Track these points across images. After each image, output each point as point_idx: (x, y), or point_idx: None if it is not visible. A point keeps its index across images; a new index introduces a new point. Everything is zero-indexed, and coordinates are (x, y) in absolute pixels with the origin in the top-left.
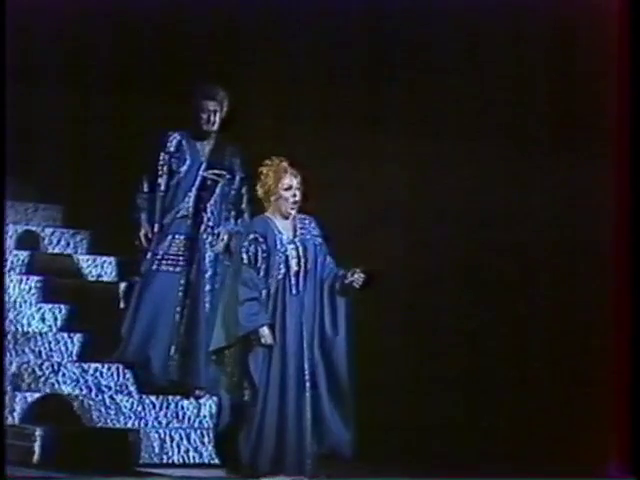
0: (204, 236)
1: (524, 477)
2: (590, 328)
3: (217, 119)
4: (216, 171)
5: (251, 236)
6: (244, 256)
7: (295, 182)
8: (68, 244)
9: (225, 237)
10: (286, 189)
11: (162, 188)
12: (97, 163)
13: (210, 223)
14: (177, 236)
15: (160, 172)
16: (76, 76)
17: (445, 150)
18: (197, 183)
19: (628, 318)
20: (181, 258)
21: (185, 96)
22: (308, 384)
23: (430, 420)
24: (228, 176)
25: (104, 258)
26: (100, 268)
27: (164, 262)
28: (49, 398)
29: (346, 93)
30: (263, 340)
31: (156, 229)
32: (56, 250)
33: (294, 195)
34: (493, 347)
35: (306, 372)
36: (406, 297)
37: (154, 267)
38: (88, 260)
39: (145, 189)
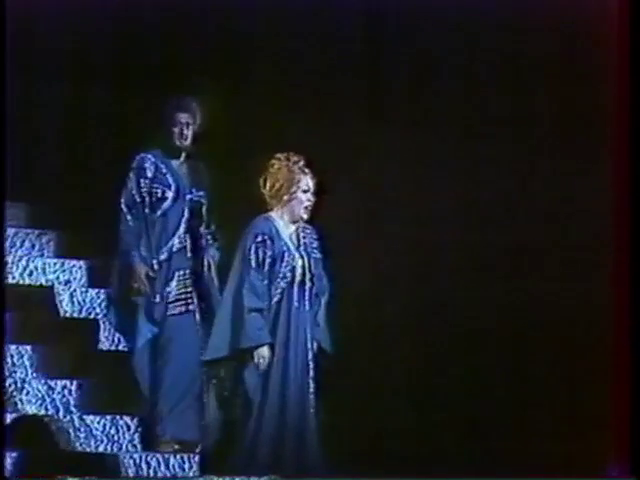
0: (207, 268)
1: (524, 477)
2: (590, 328)
3: (190, 133)
4: (200, 192)
5: (259, 237)
6: (252, 258)
7: (312, 184)
8: (33, 246)
9: (213, 266)
10: (305, 191)
11: (150, 218)
12: (66, 158)
13: (210, 253)
14: (181, 272)
15: (143, 200)
16: (50, 70)
17: (443, 148)
18: (187, 209)
19: (628, 318)
20: (191, 295)
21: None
22: (313, 402)
23: (429, 420)
24: (205, 197)
25: (73, 262)
26: (69, 273)
27: (176, 304)
28: (11, 418)
29: (345, 88)
30: (261, 361)
31: (155, 266)
32: (20, 253)
33: (309, 199)
34: (492, 347)
35: (310, 390)
36: (405, 297)
37: (169, 313)
38: (55, 264)
39: (130, 221)
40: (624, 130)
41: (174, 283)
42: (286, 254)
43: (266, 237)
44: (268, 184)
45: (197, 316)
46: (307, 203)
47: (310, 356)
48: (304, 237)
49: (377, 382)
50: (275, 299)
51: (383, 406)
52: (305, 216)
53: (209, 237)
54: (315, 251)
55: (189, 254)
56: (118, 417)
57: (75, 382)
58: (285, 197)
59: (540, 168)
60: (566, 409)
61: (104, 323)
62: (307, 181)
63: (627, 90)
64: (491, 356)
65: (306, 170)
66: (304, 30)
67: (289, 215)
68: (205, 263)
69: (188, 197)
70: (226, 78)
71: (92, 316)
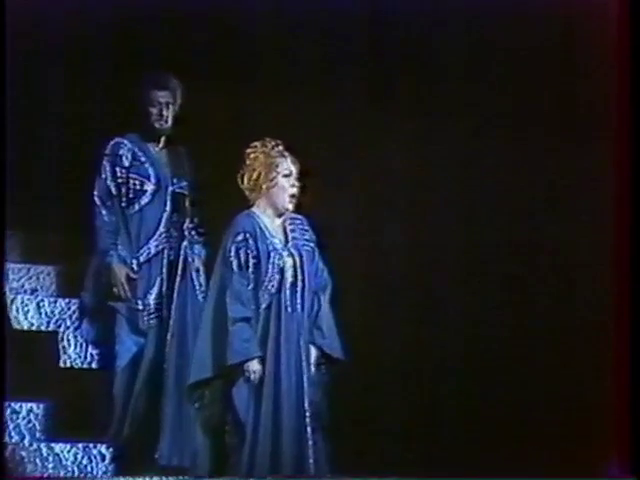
0: (193, 272)
1: (524, 477)
2: (590, 327)
3: (170, 113)
4: (183, 182)
5: (240, 237)
6: (233, 261)
7: (295, 168)
8: None
9: (200, 266)
10: (286, 175)
11: (127, 213)
12: (35, 153)
13: (195, 252)
14: (163, 276)
15: (119, 192)
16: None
17: (445, 138)
18: (169, 203)
19: (628, 318)
20: (175, 304)
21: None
22: (309, 420)
23: (429, 421)
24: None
25: (41, 267)
26: (36, 280)
27: (159, 314)
28: None
29: (344, 75)
30: (252, 376)
31: (135, 267)
32: None
33: (293, 185)
34: (493, 346)
35: (306, 407)
36: (403, 294)
37: (152, 323)
38: (21, 270)
39: (105, 216)
40: (625, 127)
41: (156, 288)
42: (272, 253)
43: (247, 235)
44: (246, 177)
45: (178, 327)
46: (291, 190)
47: (304, 366)
48: (292, 230)
49: (375, 389)
50: (264, 305)
51: (384, 416)
52: (290, 206)
53: (193, 233)
54: (307, 244)
55: (172, 256)
56: (91, 445)
57: (42, 405)
58: (264, 186)
59: (540, 163)
60: (566, 409)
61: (76, 337)
62: (288, 165)
63: (627, 85)
64: (491, 355)
65: (286, 154)
66: (303, 13)
67: (272, 207)
68: (190, 263)
69: (170, 189)
70: (215, 57)
71: (62, 329)
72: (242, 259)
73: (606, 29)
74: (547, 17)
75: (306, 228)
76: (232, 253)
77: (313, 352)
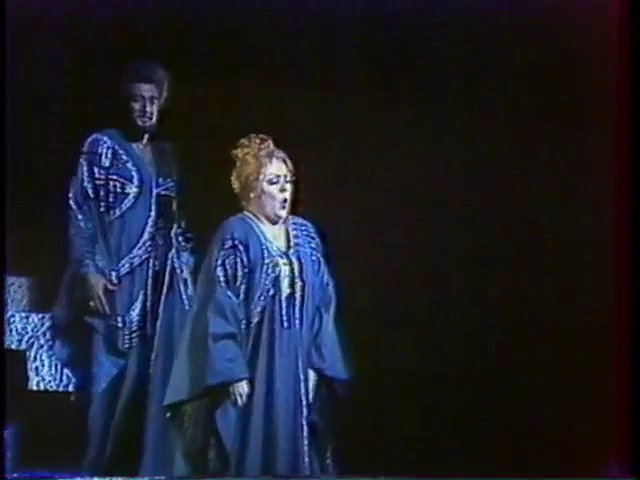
0: (180, 284)
1: (524, 477)
2: (590, 327)
3: (154, 109)
4: (169, 183)
5: (228, 243)
6: (219, 271)
7: (284, 170)
8: None
9: (188, 277)
10: (272, 182)
11: (106, 219)
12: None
13: (182, 260)
14: (147, 290)
15: (97, 195)
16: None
17: (445, 134)
18: (154, 207)
19: (628, 317)
20: (160, 319)
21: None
22: (307, 455)
23: (429, 420)
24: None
25: (12, 279)
26: (7, 294)
27: (142, 332)
28: None
29: (346, 74)
30: (238, 399)
31: (114, 280)
32: None
33: (283, 190)
34: (493, 345)
35: (304, 434)
36: (408, 295)
37: (134, 343)
38: None
39: (81, 222)
40: (625, 118)
41: (139, 303)
42: (266, 261)
43: (237, 242)
44: (236, 180)
45: (163, 346)
46: (281, 196)
47: (302, 389)
48: (296, 236)
49: (376, 392)
50: (255, 319)
51: (385, 419)
52: (282, 213)
53: (181, 239)
54: (312, 253)
55: (157, 266)
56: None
57: (9, 431)
58: (252, 194)
59: (541, 161)
60: (566, 409)
61: (50, 357)
62: (274, 169)
63: (628, 78)
64: (491, 354)
65: (274, 152)
66: (300, 6)
67: (263, 215)
68: (177, 274)
69: (154, 192)
70: (209, 50)
71: (35, 348)
72: (229, 269)
73: (606, 19)
74: (545, 9)
75: (312, 236)
76: (218, 262)
77: (312, 376)
